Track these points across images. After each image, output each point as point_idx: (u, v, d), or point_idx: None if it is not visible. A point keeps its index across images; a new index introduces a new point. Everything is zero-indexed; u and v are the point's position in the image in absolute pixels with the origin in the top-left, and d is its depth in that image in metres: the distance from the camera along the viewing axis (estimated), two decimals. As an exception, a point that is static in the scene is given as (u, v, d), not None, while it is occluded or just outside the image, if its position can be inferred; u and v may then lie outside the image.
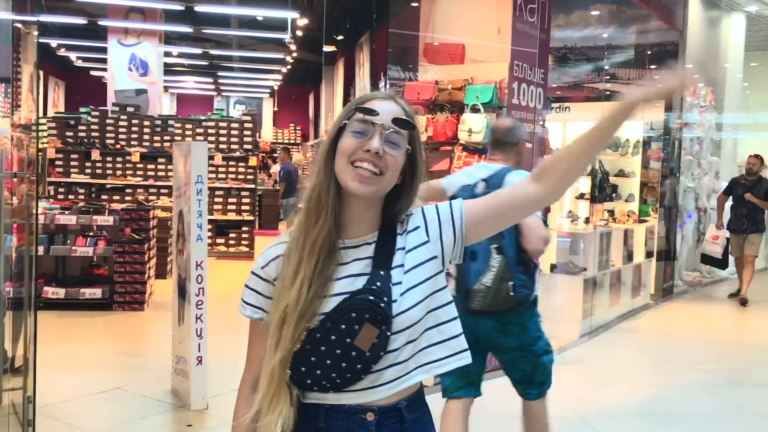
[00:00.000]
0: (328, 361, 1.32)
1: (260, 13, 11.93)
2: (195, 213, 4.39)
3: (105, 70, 14.32)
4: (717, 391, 5.37)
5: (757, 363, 6.42)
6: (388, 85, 7.49)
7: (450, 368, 1.43)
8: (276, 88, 22.14)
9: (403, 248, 1.41)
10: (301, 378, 1.34)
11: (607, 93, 10.07)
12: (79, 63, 18.49)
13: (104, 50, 12.91)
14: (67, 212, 7.43)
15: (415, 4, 7.12)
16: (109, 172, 11.11)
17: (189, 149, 4.40)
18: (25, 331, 4.44)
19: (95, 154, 11.05)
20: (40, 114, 18.20)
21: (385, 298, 1.34)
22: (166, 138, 11.46)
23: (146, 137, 11.44)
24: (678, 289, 9.75)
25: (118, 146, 11.20)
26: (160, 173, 11.25)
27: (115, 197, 10.71)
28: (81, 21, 12.61)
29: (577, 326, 6.76)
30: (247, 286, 1.46)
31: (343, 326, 1.32)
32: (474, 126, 5.89)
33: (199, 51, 15.42)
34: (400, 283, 1.38)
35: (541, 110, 6.47)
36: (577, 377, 5.62)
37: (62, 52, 17.22)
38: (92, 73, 19.03)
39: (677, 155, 9.54)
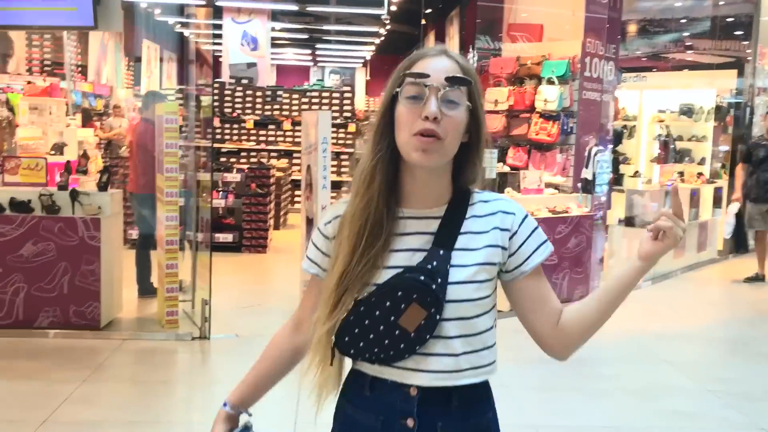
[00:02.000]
0: (371, 336, 1.27)
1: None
2: (321, 167, 5.60)
3: (216, 45, 15.88)
4: None
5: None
6: (476, 56, 8.54)
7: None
8: (368, 58, 23.28)
9: (476, 232, 1.33)
10: (345, 347, 1.30)
11: (684, 63, 10.70)
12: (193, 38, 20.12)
13: (217, 26, 14.36)
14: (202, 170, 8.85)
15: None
16: (227, 137, 12.59)
17: (317, 117, 5.61)
18: (193, 263, 5.87)
19: (215, 122, 12.53)
20: (162, 85, 20.08)
21: (439, 279, 1.26)
22: (275, 107, 12.83)
23: (258, 106, 12.85)
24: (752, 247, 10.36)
25: (234, 114, 12.65)
26: (270, 138, 12.65)
27: (232, 159, 12.18)
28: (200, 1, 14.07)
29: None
30: (311, 240, 1.42)
31: (388, 303, 1.25)
32: (549, 96, 6.85)
33: (301, 26, 16.72)
34: (462, 266, 1.29)
35: (611, 81, 7.32)
36: (639, 310, 6.59)
37: (178, 28, 18.86)
38: (205, 47, 20.66)
39: (749, 120, 10.07)
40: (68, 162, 5.75)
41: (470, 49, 8.75)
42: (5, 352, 4.74)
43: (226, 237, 8.60)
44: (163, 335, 5.21)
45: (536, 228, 1.36)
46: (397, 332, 1.25)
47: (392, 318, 1.25)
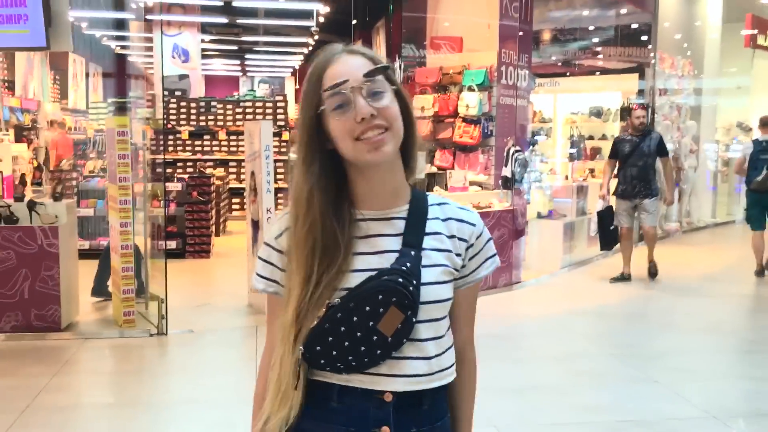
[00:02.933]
0: (347, 343, 1.21)
1: (289, 5, 13.52)
2: (264, 172, 6.08)
3: (142, 56, 16.03)
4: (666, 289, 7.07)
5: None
6: (402, 65, 9.18)
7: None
8: (297, 67, 23.73)
9: (439, 233, 1.30)
10: (315, 357, 1.23)
11: (594, 68, 11.65)
12: (120, 51, 20.15)
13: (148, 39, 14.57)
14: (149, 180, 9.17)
15: (421, 14, 8.68)
16: (162, 148, 12.83)
17: (260, 126, 6.09)
18: (146, 267, 6.24)
19: (150, 133, 12.75)
20: (89, 99, 19.99)
21: (414, 281, 1.23)
22: (210, 117, 13.16)
23: (192, 117, 13.15)
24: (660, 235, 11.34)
25: (169, 125, 12.91)
26: (206, 148, 12.97)
27: (168, 170, 12.44)
28: (129, 15, 14.26)
29: (558, 260, 8.43)
30: (260, 257, 1.34)
31: (368, 308, 1.20)
32: (470, 102, 7.53)
33: (230, 37, 17.08)
34: (431, 266, 1.27)
35: (526, 87, 8.06)
36: (559, 293, 7.31)
37: (104, 41, 18.88)
38: (130, 59, 20.69)
39: (651, 119, 11.04)
40: (23, 174, 6.04)
41: (396, 58, 9.39)
42: (-28, 355, 5.03)
43: (170, 244, 8.91)
44: (122, 333, 5.58)
45: (489, 240, 1.35)
46: (375, 338, 1.20)
47: (371, 323, 1.20)
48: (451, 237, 1.31)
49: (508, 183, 7.34)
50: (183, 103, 13.18)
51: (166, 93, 13.45)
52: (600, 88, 11.74)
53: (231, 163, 13.02)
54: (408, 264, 1.24)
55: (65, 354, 5.10)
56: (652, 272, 7.78)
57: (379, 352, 1.22)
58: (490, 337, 5.26)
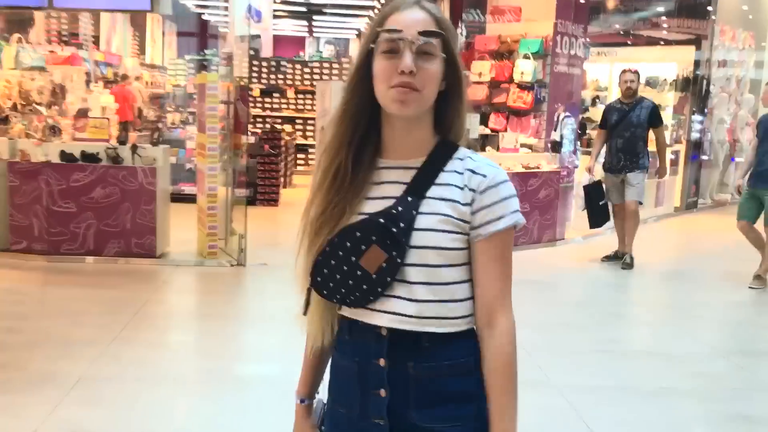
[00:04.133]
0: (338, 276, 1.28)
1: None
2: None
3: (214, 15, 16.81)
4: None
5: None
6: (464, 30, 9.73)
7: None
8: (363, 29, 24.26)
9: (452, 185, 1.30)
10: (319, 287, 1.31)
11: (652, 39, 11.91)
12: (195, 9, 21.04)
13: None
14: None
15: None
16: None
17: (330, 86, 6.78)
18: (227, 208, 7.06)
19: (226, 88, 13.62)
20: (165, 56, 21.02)
21: (402, 224, 1.25)
22: (279, 76, 13.94)
23: (264, 75, 13.95)
24: (704, 206, 11.68)
25: (242, 82, 13.73)
26: (275, 105, 13.77)
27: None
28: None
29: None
30: None
31: (349, 243, 1.26)
32: (525, 69, 8.04)
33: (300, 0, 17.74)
34: (428, 213, 1.28)
35: (579, 56, 8.51)
36: (599, 250, 7.88)
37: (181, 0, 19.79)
38: (203, 18, 21.59)
39: (705, 92, 11.29)
40: (126, 121, 6.89)
41: (459, 23, 9.94)
42: (85, 272, 5.96)
43: (242, 191, 9.77)
44: (207, 262, 6.43)
45: (507, 198, 1.31)
46: (359, 273, 1.26)
47: (353, 258, 1.26)
48: (463, 188, 1.30)
49: (557, 146, 7.88)
50: (255, 62, 13.97)
51: (239, 52, 14.25)
52: (657, 58, 11.98)
53: (297, 121, 13.80)
54: (399, 208, 1.27)
55: (161, 276, 5.98)
56: (626, 262, 6.85)
57: (365, 287, 1.27)
58: (526, 283, 5.91)
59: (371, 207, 1.30)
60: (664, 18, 11.68)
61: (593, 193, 7.03)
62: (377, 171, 1.33)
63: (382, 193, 1.31)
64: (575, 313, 5.53)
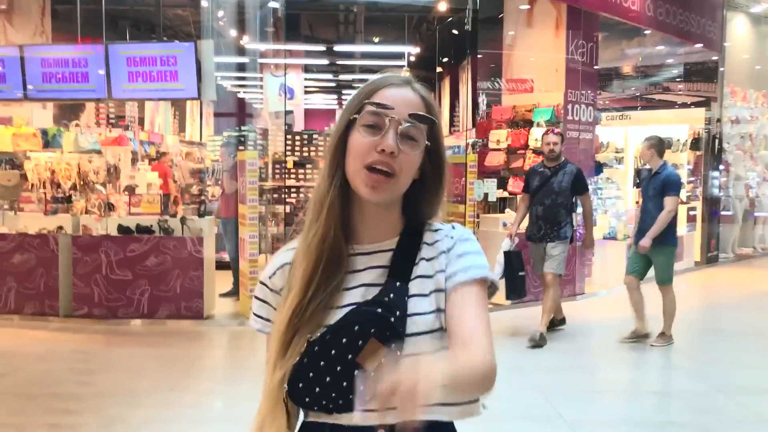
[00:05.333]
0: (328, 378, 1.14)
1: (383, 48, 15.06)
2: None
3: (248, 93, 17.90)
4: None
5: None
6: (485, 100, 10.46)
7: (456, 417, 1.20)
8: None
9: (428, 259, 1.24)
10: (299, 395, 1.17)
11: (664, 103, 12.50)
12: (230, 89, 22.32)
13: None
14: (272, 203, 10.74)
15: (498, 47, 9.99)
16: (270, 175, 14.54)
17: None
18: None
19: (260, 162, 14.48)
20: (203, 132, 22.21)
21: (398, 312, 1.15)
22: (311, 148, 14.78)
23: (297, 148, 14.80)
24: (726, 260, 12.00)
25: (276, 155, 14.61)
26: (308, 175, 14.56)
27: (275, 195, 14.11)
28: (243, 59, 16.19)
29: (621, 276, 9.33)
30: (256, 297, 1.30)
31: (345, 340, 1.13)
32: (539, 136, 8.63)
33: (329, 76, 18.81)
34: (420, 296, 1.20)
35: (591, 122, 9.11)
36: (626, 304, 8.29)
37: (218, 81, 21.07)
38: (239, 96, 22.86)
39: (718, 150, 11.77)
40: (175, 196, 7.62)
41: (480, 93, 10.71)
42: (141, 333, 6.58)
43: (279, 258, 10.42)
44: (249, 323, 6.99)
45: (475, 252, 1.24)
46: (356, 372, 1.12)
47: (349, 356, 1.13)
48: (437, 256, 1.24)
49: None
50: (288, 136, 14.85)
51: (273, 127, 15.19)
52: (669, 120, 12.56)
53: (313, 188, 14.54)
54: (391, 295, 1.17)
55: (209, 336, 6.57)
56: (534, 339, 6.08)
57: (362, 388, 1.09)
58: (553, 335, 6.36)
59: (351, 298, 1.20)
60: (672, 83, 12.32)
61: (514, 262, 6.38)
62: (351, 258, 1.23)
63: (360, 281, 1.22)
64: (591, 355, 5.95)
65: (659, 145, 6.23)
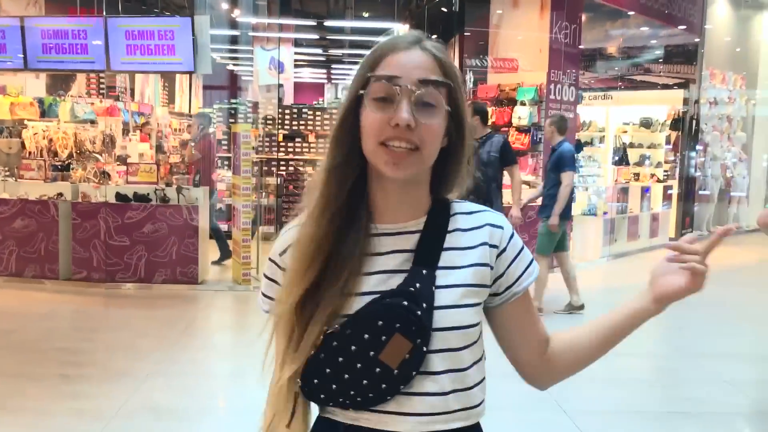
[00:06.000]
0: (346, 375, 1.05)
1: (373, 24, 15.26)
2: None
3: (238, 66, 18.08)
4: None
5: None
6: (471, 78, 10.75)
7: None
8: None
9: (461, 248, 1.12)
10: (314, 391, 1.08)
11: (645, 83, 12.86)
12: (220, 61, 22.40)
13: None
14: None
15: (485, 26, 10.27)
16: (260, 148, 14.78)
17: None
18: (258, 239, 7.98)
19: (254, 134, 14.73)
20: (192, 104, 22.32)
21: (425, 304, 1.05)
22: (301, 122, 15.02)
23: (287, 121, 15.03)
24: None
25: (267, 129, 14.84)
26: (297, 149, 14.81)
27: (264, 168, 14.37)
28: (234, 32, 16.34)
29: (599, 250, 9.76)
30: (265, 275, 1.19)
31: (367, 336, 1.03)
32: (522, 114, 8.99)
33: (319, 50, 18.97)
34: (448, 286, 1.08)
35: (572, 101, 9.44)
36: (603, 276, 8.69)
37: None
38: (228, 68, 22.97)
39: (695, 131, 12.17)
40: (171, 165, 7.89)
41: (467, 71, 10.99)
42: (138, 296, 6.89)
43: (268, 228, 10.74)
44: (241, 288, 7.33)
45: (523, 247, 1.17)
46: (377, 369, 1.03)
47: (371, 353, 1.03)
48: (479, 246, 1.13)
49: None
50: (278, 110, 15.07)
51: (263, 100, 15.41)
52: (650, 100, 12.93)
53: (318, 163, 14.82)
54: (417, 285, 1.07)
55: (204, 299, 6.89)
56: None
57: (384, 386, 1.05)
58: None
59: (372, 284, 1.08)
60: (654, 64, 12.65)
61: None
62: (372, 239, 1.11)
63: (383, 266, 1.10)
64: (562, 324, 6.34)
65: (559, 123, 6.49)
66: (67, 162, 8.00)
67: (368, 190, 1.13)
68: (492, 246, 1.14)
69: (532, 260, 1.19)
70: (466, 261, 1.12)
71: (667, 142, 11.93)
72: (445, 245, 1.12)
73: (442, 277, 1.09)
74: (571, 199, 6.49)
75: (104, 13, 8.37)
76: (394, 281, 1.08)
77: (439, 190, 1.16)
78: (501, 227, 1.16)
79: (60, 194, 7.41)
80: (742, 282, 8.52)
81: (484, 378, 1.15)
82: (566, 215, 6.57)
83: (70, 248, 7.21)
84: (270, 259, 1.18)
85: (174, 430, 3.78)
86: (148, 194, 7.31)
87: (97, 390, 4.26)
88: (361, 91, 1.08)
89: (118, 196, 7.31)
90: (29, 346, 5.12)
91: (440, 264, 1.10)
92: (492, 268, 1.13)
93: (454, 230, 1.13)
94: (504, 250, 1.14)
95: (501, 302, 1.17)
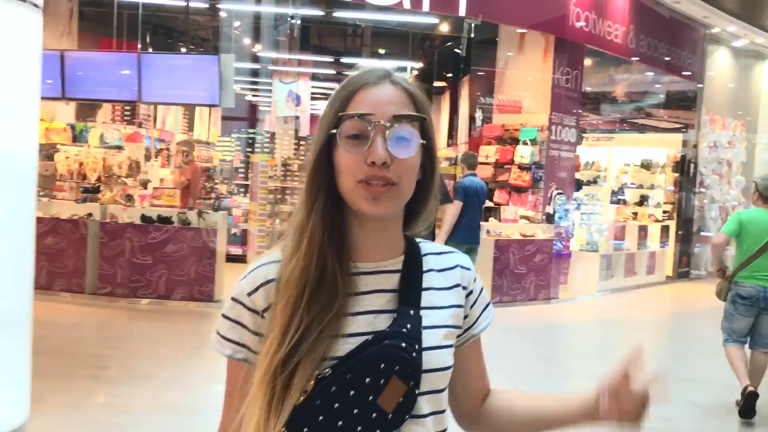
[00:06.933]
0: (340, 423, 0.99)
1: (387, 62, 15.95)
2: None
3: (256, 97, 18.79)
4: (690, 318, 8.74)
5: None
6: (481, 116, 11.31)
7: None
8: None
9: (438, 288, 1.13)
10: None
11: (646, 127, 13.39)
12: (238, 91, 23.18)
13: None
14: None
15: (492, 68, 10.85)
16: (275, 176, 15.39)
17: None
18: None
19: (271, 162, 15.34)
20: (210, 132, 23.06)
21: (416, 346, 1.04)
22: (315, 153, 15.68)
23: (302, 151, 15.65)
24: (698, 276, 12.85)
25: (284, 158, 15.46)
26: (311, 179, 15.45)
27: (278, 196, 14.97)
28: (255, 66, 17.07)
29: (595, 285, 10.19)
30: (225, 316, 1.11)
31: (368, 379, 0.99)
32: (524, 153, 9.52)
33: (336, 84, 19.73)
34: (432, 328, 1.09)
35: (573, 143, 9.97)
36: (597, 309, 9.13)
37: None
38: (246, 99, 23.76)
39: (693, 173, 12.64)
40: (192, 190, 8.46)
41: (477, 109, 11.58)
42: (159, 312, 7.41)
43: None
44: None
45: (483, 289, 1.18)
46: (374, 415, 1.00)
47: (371, 398, 0.99)
48: (453, 288, 1.13)
49: (551, 218, 9.25)
50: (294, 141, 15.72)
51: (280, 131, 16.06)
52: (651, 142, 13.45)
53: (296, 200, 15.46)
54: (408, 326, 1.04)
55: (218, 315, 7.36)
56: None
57: (378, 431, 1.00)
58: (520, 330, 7.19)
59: (358, 326, 1.06)
60: (654, 109, 13.19)
61: None
62: (353, 279, 1.09)
63: (368, 306, 1.08)
64: (554, 349, 6.79)
65: (468, 159, 7.64)
66: (96, 185, 8.59)
67: (346, 227, 1.09)
68: (464, 288, 1.15)
69: (489, 303, 1.20)
70: (445, 302, 1.12)
71: (670, 184, 12.39)
72: (424, 285, 1.11)
73: (425, 318, 1.08)
74: (475, 226, 7.27)
75: (139, 47, 9.05)
76: (381, 322, 1.06)
77: (409, 224, 1.15)
78: (469, 269, 1.17)
79: (89, 214, 7.98)
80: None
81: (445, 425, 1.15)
82: (471, 240, 7.13)
83: (97, 265, 7.76)
84: (234, 299, 1.10)
85: (191, 422, 4.27)
86: (171, 217, 7.87)
87: (123, 389, 4.76)
88: (333, 131, 1.04)
89: (143, 217, 7.87)
90: (61, 350, 5.63)
91: (422, 304, 1.09)
92: (463, 308, 1.15)
93: (428, 270, 1.13)
94: (471, 291, 1.16)
95: (458, 344, 1.15)
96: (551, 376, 5.91)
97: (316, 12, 12.98)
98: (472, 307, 1.16)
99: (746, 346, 5.08)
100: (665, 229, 12.01)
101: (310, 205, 1.07)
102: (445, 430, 1.12)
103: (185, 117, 22.13)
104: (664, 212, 12.40)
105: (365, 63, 16.26)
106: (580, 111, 10.31)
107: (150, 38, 15.15)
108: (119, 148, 10.27)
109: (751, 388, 4.76)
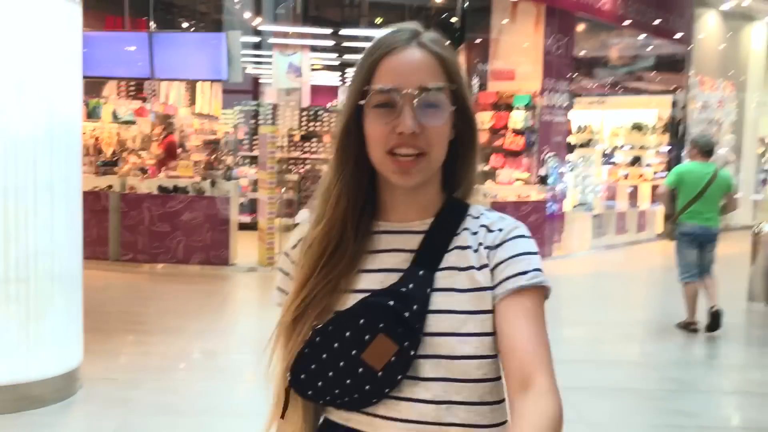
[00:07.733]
0: (330, 373, 1.02)
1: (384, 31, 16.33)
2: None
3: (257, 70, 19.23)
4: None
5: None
6: (477, 83, 11.74)
7: None
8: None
9: (464, 247, 1.06)
10: (302, 387, 1.05)
11: (638, 89, 13.81)
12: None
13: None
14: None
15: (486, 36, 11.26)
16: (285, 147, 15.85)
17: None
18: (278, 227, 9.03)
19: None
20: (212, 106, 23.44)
21: (415, 306, 1.00)
22: (317, 123, 16.10)
23: (303, 122, 16.11)
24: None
25: (289, 130, 15.91)
26: (313, 148, 15.90)
27: (283, 166, 15.45)
28: (254, 39, 17.45)
29: (588, 243, 10.74)
30: (280, 269, 1.18)
31: (348, 333, 1.01)
32: (518, 119, 9.98)
33: (335, 55, 20.06)
34: (447, 290, 1.03)
35: (564, 107, 10.43)
36: (592, 266, 9.68)
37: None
38: (246, 72, 24.10)
39: (682, 132, 13.12)
40: (208, 161, 8.96)
41: (473, 76, 12.00)
42: (179, 275, 7.96)
43: (289, 220, 11.78)
44: (266, 268, 8.37)
45: (528, 253, 1.05)
46: (360, 370, 1.00)
47: (353, 352, 1.00)
48: (477, 249, 1.06)
49: (544, 180, 9.76)
50: (296, 111, 16.15)
51: (282, 103, 16.49)
52: (641, 105, 13.89)
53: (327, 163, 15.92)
54: (410, 285, 1.02)
55: (234, 277, 7.95)
56: None
57: (368, 387, 1.01)
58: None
59: (368, 282, 1.05)
60: (645, 72, 13.60)
61: None
62: (373, 236, 1.09)
63: (381, 265, 1.07)
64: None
65: None
66: (114, 158, 9.08)
67: (376, 187, 1.09)
68: (486, 248, 1.05)
69: (531, 269, 1.03)
70: (468, 263, 1.05)
71: (662, 144, 12.87)
72: (451, 247, 1.06)
73: (441, 280, 1.03)
74: None
75: (152, 25, 9.46)
76: (391, 280, 1.04)
77: (449, 186, 1.11)
78: (500, 229, 1.06)
79: (110, 186, 8.49)
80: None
81: (502, 399, 1.04)
82: None
83: (119, 233, 8.29)
84: (285, 253, 1.17)
85: (221, 362, 4.84)
86: (187, 187, 8.37)
87: (159, 339, 5.32)
88: (361, 102, 1.04)
89: (160, 188, 8.38)
90: (95, 309, 6.15)
91: (442, 265, 1.04)
92: (488, 267, 1.04)
93: (463, 230, 1.07)
94: (495, 249, 1.05)
95: (493, 304, 1.03)
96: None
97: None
98: (498, 265, 1.04)
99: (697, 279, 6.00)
100: (656, 189, 12.49)
101: (338, 173, 1.08)
102: (481, 405, 1.02)
103: (187, 91, 22.51)
104: (655, 173, 12.89)
105: (364, 33, 16.63)
106: (571, 77, 10.74)
107: (154, 15, 15.51)
108: (131, 123, 10.75)
109: (715, 308, 5.85)
